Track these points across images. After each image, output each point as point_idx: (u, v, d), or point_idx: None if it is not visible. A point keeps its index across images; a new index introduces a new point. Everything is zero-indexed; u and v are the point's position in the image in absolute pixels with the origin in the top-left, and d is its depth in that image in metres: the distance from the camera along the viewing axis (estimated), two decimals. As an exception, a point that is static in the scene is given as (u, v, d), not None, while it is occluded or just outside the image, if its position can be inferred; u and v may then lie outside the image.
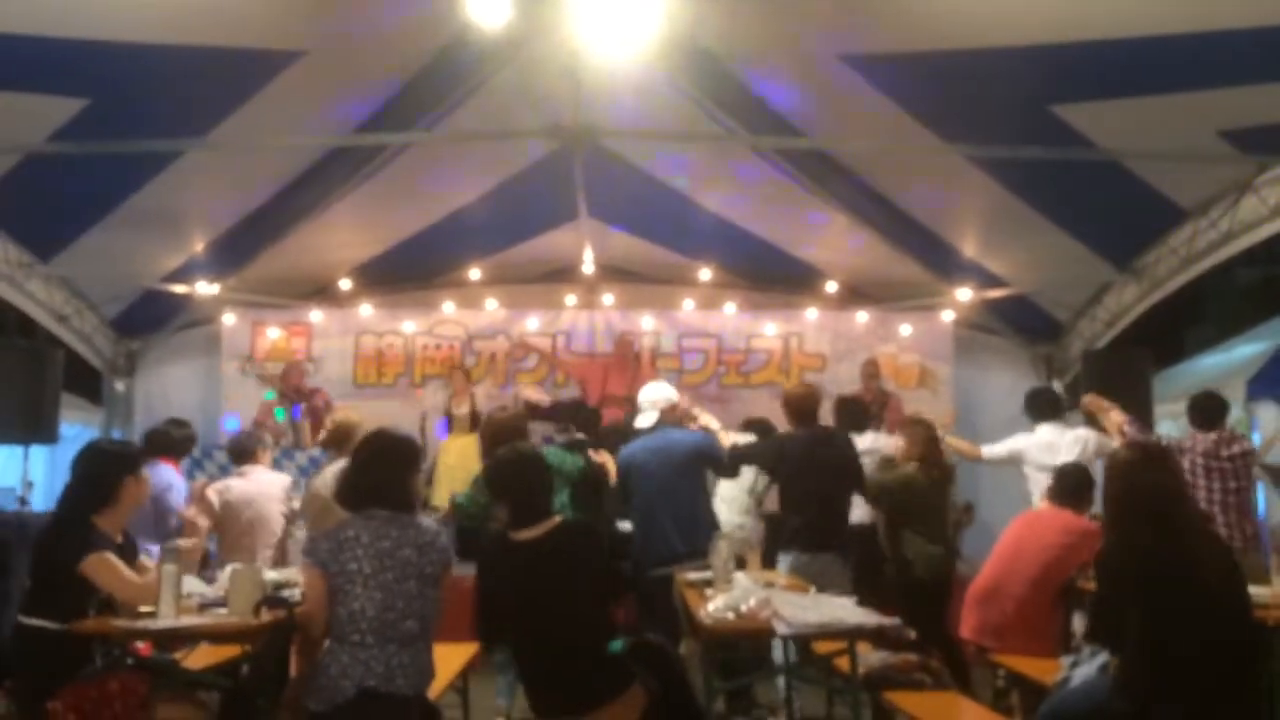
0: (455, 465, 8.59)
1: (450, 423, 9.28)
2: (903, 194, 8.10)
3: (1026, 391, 7.55)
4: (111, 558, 3.92)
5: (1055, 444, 6.83)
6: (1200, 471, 6.20)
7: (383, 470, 3.73)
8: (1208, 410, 6.41)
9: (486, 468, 4.24)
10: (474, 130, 7.18)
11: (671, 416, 6.20)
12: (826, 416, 6.51)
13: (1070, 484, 5.39)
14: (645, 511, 5.84)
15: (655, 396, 6.18)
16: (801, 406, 6.14)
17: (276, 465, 7.07)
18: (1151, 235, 8.29)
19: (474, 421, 9.08)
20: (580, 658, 3.75)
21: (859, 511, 6.43)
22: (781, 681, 5.56)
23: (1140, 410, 7.17)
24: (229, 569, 4.41)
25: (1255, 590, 3.85)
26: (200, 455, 8.83)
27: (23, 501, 7.94)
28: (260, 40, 5.87)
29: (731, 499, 6.82)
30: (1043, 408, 7.08)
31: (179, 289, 9.29)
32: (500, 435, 5.43)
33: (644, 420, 6.13)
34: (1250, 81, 5.71)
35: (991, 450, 7.11)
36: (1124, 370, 8.03)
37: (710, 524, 5.76)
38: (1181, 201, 7.63)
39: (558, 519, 3.97)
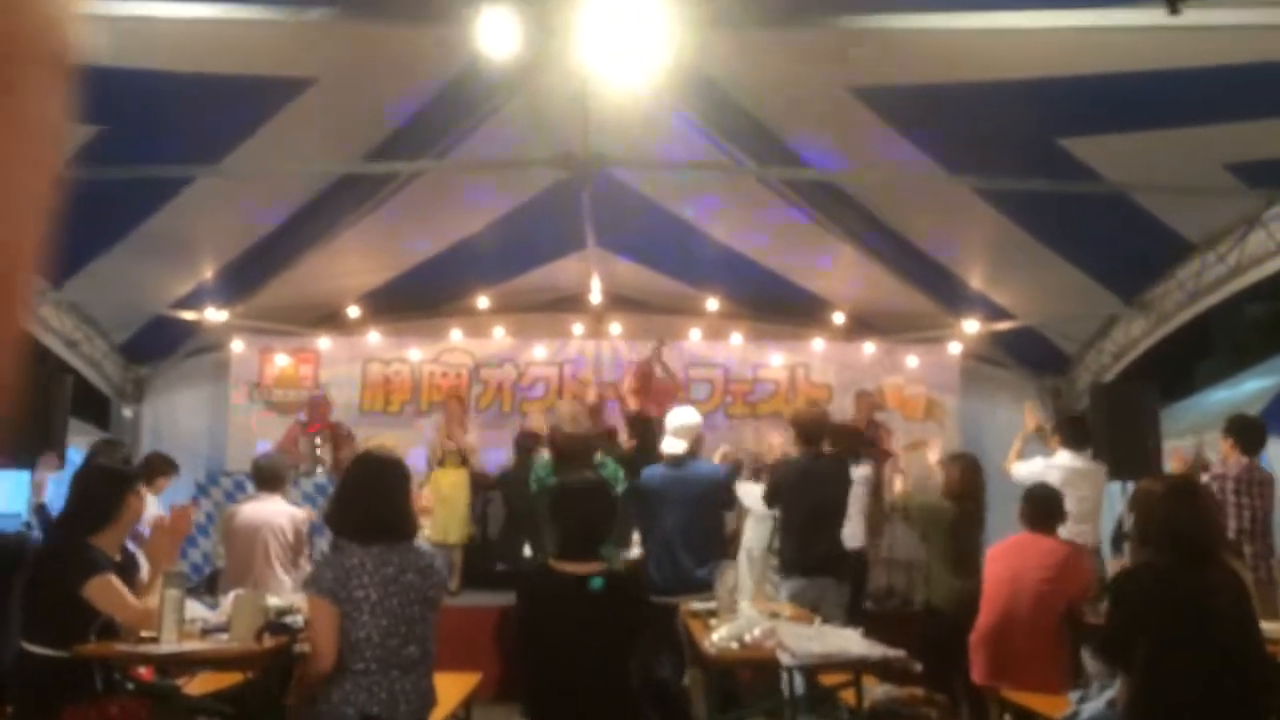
0: (447, 499, 8.52)
1: (442, 455, 8.95)
2: (909, 226, 8.12)
3: (1063, 415, 7.51)
4: (114, 580, 3.92)
5: (1083, 472, 6.81)
6: (1230, 495, 6.17)
7: (381, 497, 3.69)
8: (1252, 435, 6.37)
9: (555, 490, 4.21)
10: (483, 159, 7.23)
11: (699, 446, 6.25)
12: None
13: (1044, 507, 5.37)
14: (662, 541, 5.93)
15: (684, 423, 6.19)
16: (810, 429, 6.19)
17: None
18: (1159, 269, 8.29)
19: (464, 455, 8.97)
20: (594, 700, 3.71)
21: (851, 534, 6.48)
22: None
23: (1146, 445, 7.15)
24: (232, 594, 4.41)
25: (1266, 626, 3.82)
26: (206, 481, 8.84)
27: (29, 526, 7.92)
28: (273, 68, 5.92)
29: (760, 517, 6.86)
30: (1074, 435, 7.05)
31: (188, 315, 9.33)
32: (568, 452, 5.41)
33: (672, 447, 6.14)
34: (1257, 116, 5.73)
35: (1020, 469, 7.03)
36: (1131, 404, 8.00)
37: (723, 556, 5.79)
38: (1189, 235, 7.64)
39: (605, 565, 3.92)
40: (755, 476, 7.37)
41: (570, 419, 5.54)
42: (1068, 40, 5.18)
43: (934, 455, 6.79)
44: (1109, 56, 5.35)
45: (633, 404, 8.60)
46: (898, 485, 6.70)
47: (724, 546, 6.09)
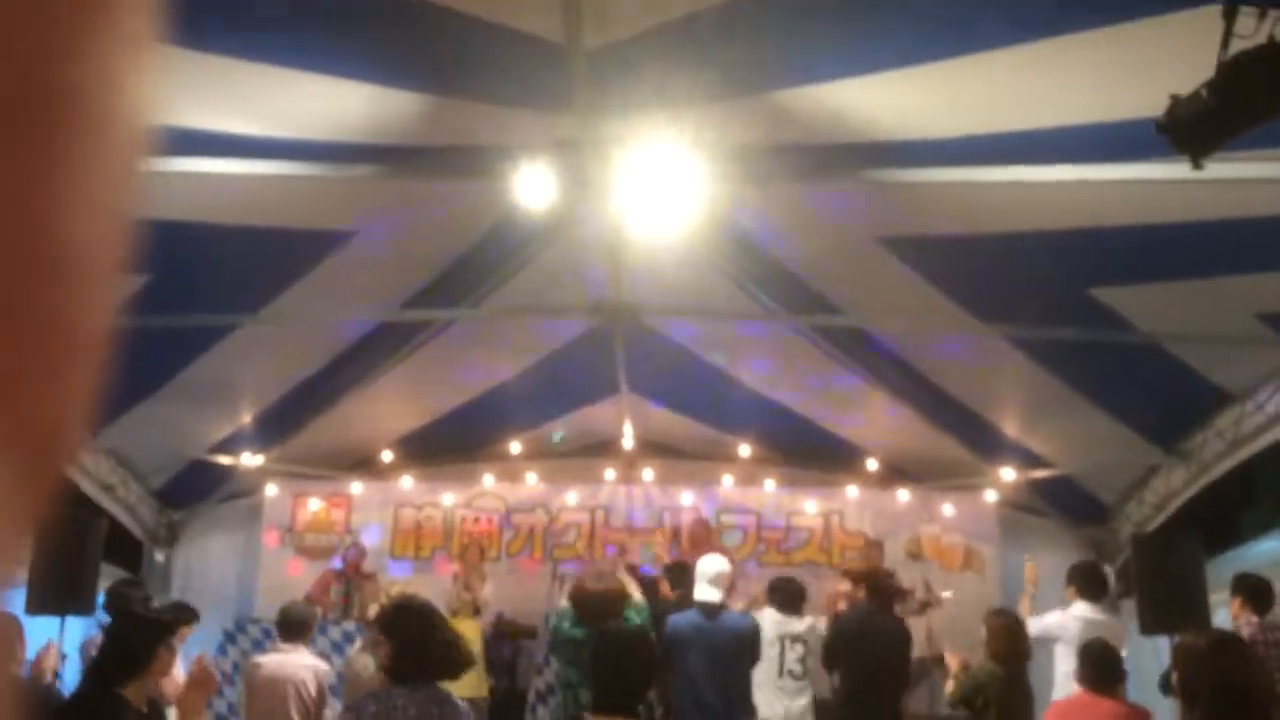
0: None
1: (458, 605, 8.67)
2: (941, 373, 8.13)
3: (1076, 564, 7.35)
4: None
5: (1101, 625, 6.61)
6: None
7: (439, 640, 3.67)
8: (1262, 593, 6.25)
9: (594, 639, 4.12)
10: (517, 307, 7.35)
11: (731, 596, 6.15)
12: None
13: (1102, 666, 5.17)
14: (690, 693, 5.73)
15: (720, 570, 6.07)
16: (880, 584, 6.09)
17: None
18: (1196, 418, 8.20)
19: (477, 607, 8.84)
20: None
21: None
22: None
23: (1194, 598, 6.95)
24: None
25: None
26: (234, 629, 8.76)
27: (57, 676, 7.82)
28: (316, 222, 6.11)
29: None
30: (1090, 585, 6.87)
31: (224, 460, 9.40)
32: (593, 609, 5.28)
33: (709, 595, 6.00)
34: (1287, 267, 5.76)
35: (1034, 626, 6.84)
36: (1175, 556, 7.79)
37: (750, 713, 5.62)
38: (1225, 385, 7.58)
39: None
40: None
41: (595, 575, 5.47)
42: (1094, 193, 5.26)
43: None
44: (1136, 209, 5.42)
45: (689, 557, 8.53)
46: (952, 666, 6.48)
47: (750, 703, 5.89)
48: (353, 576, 9.22)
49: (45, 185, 0.31)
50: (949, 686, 6.45)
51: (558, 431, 9.24)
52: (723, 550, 9.35)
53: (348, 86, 4.77)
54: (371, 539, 10.18)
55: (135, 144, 0.35)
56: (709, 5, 4.18)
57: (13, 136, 0.30)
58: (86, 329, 0.34)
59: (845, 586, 7.04)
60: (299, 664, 5.79)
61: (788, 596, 6.90)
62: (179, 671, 5.30)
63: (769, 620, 6.61)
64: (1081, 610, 6.65)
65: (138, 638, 4.11)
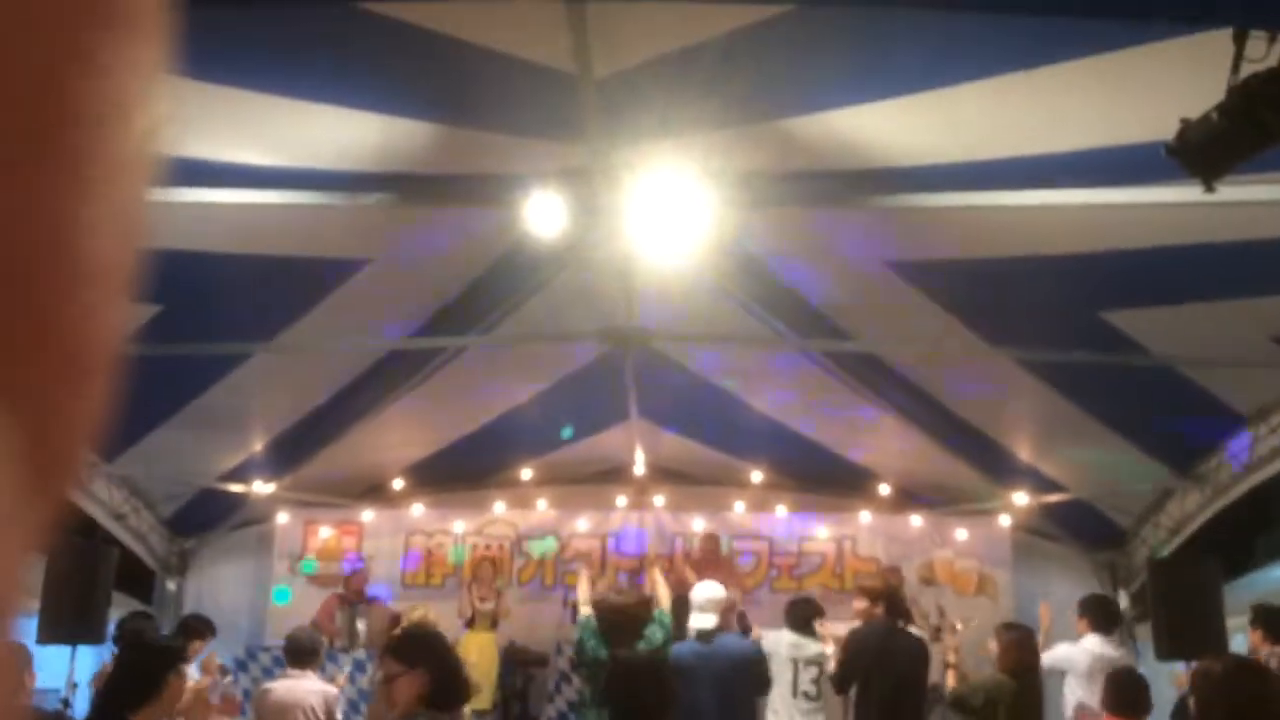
0: (474, 664, 8.32)
1: (472, 618, 8.98)
2: (953, 397, 8.10)
3: (1087, 596, 7.30)
4: None
5: (1108, 658, 6.56)
6: None
7: (460, 668, 3.68)
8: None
9: (608, 668, 4.10)
10: (527, 333, 7.36)
11: (728, 620, 6.11)
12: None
13: (1128, 692, 5.14)
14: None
15: (711, 596, 6.05)
16: (897, 601, 6.08)
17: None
18: (1211, 441, 8.16)
19: (495, 618, 8.92)
20: None
21: None
22: None
23: (1210, 623, 6.90)
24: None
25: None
26: (245, 656, 8.74)
27: (65, 704, 7.82)
28: (330, 250, 6.13)
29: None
30: (1102, 618, 6.82)
31: (236, 488, 9.40)
32: (617, 624, 5.23)
33: (703, 622, 5.98)
34: (1298, 289, 5.73)
35: (1044, 660, 6.79)
36: (1192, 580, 7.74)
37: None
38: (1239, 407, 7.54)
39: None
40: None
41: (618, 589, 5.43)
42: (1104, 216, 5.25)
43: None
44: (1148, 231, 5.41)
45: (691, 579, 8.50)
46: (950, 680, 6.44)
47: None
48: (356, 601, 9.20)
49: (60, 201, 0.31)
50: (949, 678, 6.43)
51: (567, 427, 9.21)
52: (732, 567, 9.34)
53: (359, 117, 4.80)
54: (383, 567, 10.15)
55: (146, 166, 0.35)
56: (716, 34, 4.20)
57: (29, 152, 0.31)
58: (99, 345, 0.34)
59: (862, 603, 7.00)
60: (307, 689, 5.84)
61: (802, 617, 6.92)
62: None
63: (784, 641, 6.61)
64: (1092, 643, 6.61)
65: (148, 664, 4.11)
